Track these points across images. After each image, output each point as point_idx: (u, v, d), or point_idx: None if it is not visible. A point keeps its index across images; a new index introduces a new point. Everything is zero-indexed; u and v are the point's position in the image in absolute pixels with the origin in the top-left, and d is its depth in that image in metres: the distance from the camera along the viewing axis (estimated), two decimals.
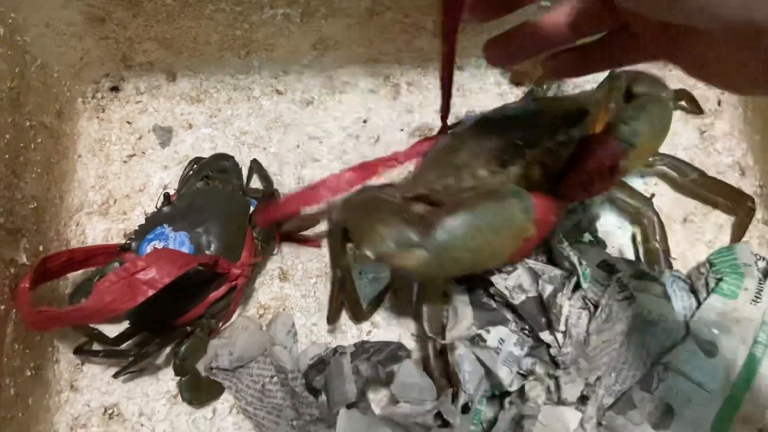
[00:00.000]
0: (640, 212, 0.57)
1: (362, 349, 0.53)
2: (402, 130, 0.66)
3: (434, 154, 0.53)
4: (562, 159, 0.47)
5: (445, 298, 0.52)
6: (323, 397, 0.51)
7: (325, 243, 0.60)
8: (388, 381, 0.51)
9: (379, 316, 0.57)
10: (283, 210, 0.53)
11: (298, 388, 0.49)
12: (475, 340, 0.47)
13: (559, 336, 0.48)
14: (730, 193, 0.60)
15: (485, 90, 0.68)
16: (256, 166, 0.62)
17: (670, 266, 0.55)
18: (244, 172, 0.61)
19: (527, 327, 0.49)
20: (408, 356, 0.52)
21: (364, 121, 0.66)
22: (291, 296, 0.58)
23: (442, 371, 0.50)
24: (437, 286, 0.52)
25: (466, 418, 0.46)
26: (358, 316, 0.56)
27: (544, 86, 0.64)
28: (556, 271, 0.50)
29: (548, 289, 0.49)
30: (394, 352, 0.52)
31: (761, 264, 0.52)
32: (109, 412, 0.54)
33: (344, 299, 0.55)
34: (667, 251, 0.55)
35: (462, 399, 0.46)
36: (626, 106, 0.49)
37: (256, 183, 0.62)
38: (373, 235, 0.42)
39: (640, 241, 0.59)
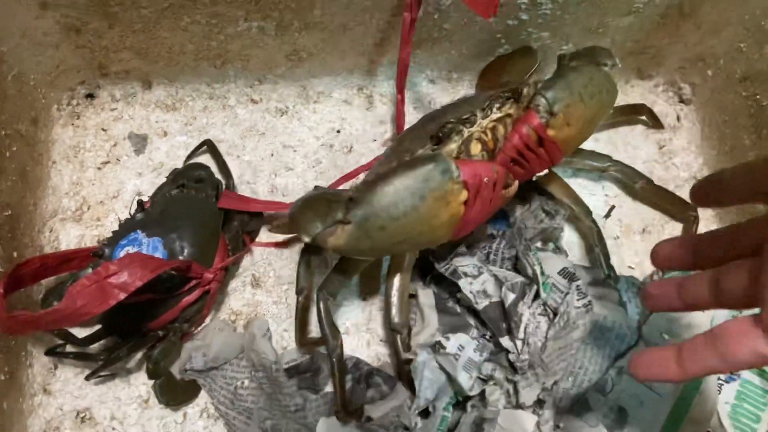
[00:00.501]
0: (581, 221, 0.60)
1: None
2: (375, 140, 0.67)
3: (387, 150, 0.57)
4: (500, 138, 0.49)
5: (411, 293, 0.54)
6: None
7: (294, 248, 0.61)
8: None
9: (350, 322, 0.59)
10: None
11: (281, 378, 0.50)
12: (436, 347, 0.49)
13: (518, 342, 0.50)
14: (674, 202, 0.63)
15: None
16: (210, 148, 0.64)
17: (611, 268, 0.57)
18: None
19: (488, 333, 0.51)
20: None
21: (338, 131, 0.68)
22: (263, 302, 0.59)
23: (406, 378, 0.51)
24: (403, 273, 0.53)
25: (429, 422, 0.48)
26: (301, 341, 0.55)
27: None
28: (519, 279, 0.52)
29: (510, 297, 0.51)
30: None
31: None
32: (82, 415, 0.55)
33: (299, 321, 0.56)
34: (606, 255, 0.58)
35: (420, 404, 0.48)
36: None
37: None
38: (305, 220, 0.45)
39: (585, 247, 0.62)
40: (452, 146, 0.49)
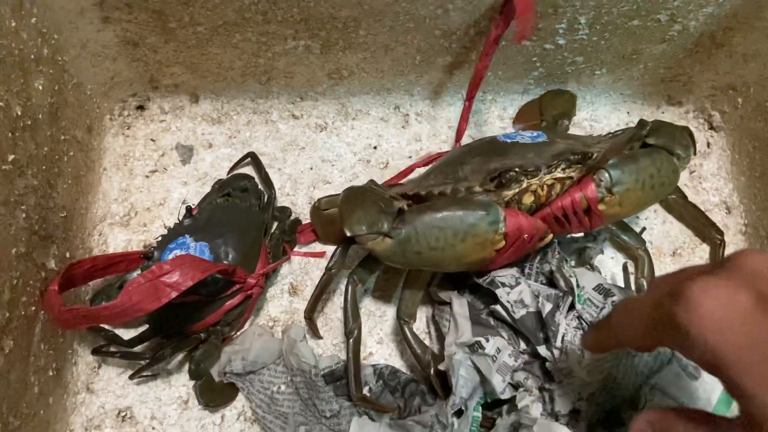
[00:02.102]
0: (634, 250, 0.61)
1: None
2: (410, 157, 0.69)
3: (444, 160, 0.58)
4: (553, 194, 0.51)
5: (423, 290, 0.57)
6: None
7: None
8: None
9: (383, 333, 0.60)
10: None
11: (320, 383, 0.52)
12: (474, 347, 0.50)
13: (555, 351, 0.51)
14: (703, 222, 0.64)
15: (490, 123, 0.72)
16: (253, 160, 0.67)
17: None
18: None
19: (521, 345, 0.52)
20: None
21: (375, 147, 0.70)
22: (300, 310, 0.61)
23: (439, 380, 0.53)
24: (421, 278, 0.56)
25: (462, 422, 0.49)
26: (309, 313, 0.58)
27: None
28: (553, 291, 0.53)
29: (547, 306, 0.53)
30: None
31: None
32: (123, 414, 0.57)
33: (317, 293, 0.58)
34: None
35: (455, 402, 0.49)
36: (620, 154, 0.52)
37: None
38: (353, 217, 0.48)
39: (631, 272, 0.62)
40: (509, 192, 0.50)
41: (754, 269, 0.28)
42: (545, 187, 0.50)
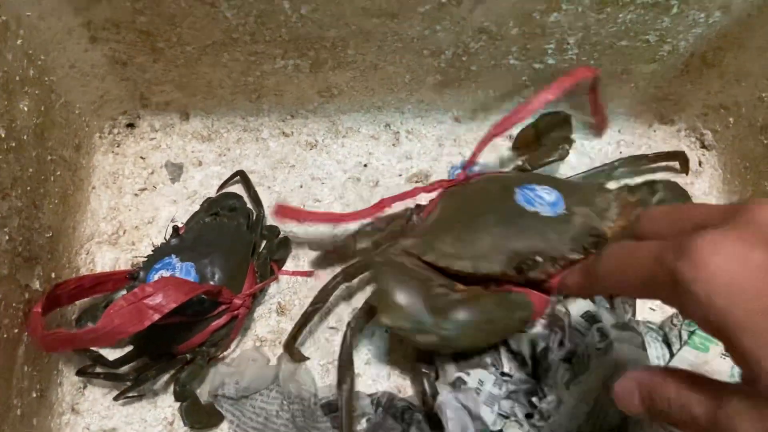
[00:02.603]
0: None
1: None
2: (400, 175, 0.69)
3: (456, 213, 0.57)
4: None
5: None
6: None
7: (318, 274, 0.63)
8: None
9: (371, 353, 0.60)
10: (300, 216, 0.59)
11: (318, 412, 0.52)
12: (456, 384, 0.50)
13: (545, 388, 0.50)
14: (663, 157, 0.66)
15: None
16: (242, 178, 0.66)
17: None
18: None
19: (503, 365, 0.52)
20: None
21: (365, 165, 0.70)
22: (287, 330, 0.60)
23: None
24: None
25: None
26: (286, 345, 0.57)
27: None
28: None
29: (540, 344, 0.52)
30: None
31: None
32: None
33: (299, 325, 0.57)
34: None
35: None
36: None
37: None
38: (395, 309, 0.47)
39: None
40: (527, 276, 0.51)
41: (766, 222, 0.25)
42: (559, 266, 0.51)
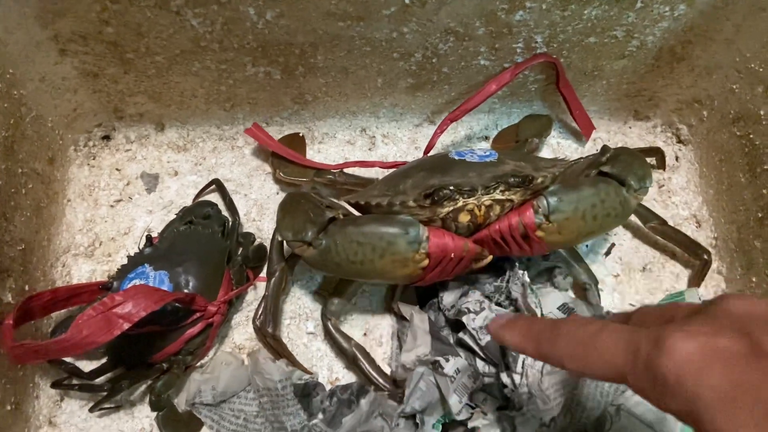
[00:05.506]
0: (581, 284, 0.60)
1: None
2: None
3: (395, 171, 0.59)
4: (493, 215, 0.50)
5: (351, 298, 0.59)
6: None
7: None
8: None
9: None
10: None
11: (289, 396, 0.51)
12: (435, 366, 0.49)
13: (516, 377, 0.50)
14: (688, 244, 0.62)
15: (456, 142, 0.72)
16: (218, 186, 0.67)
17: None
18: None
19: (477, 367, 0.52)
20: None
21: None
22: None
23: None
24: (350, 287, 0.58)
25: None
26: (255, 319, 0.59)
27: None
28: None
29: None
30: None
31: None
32: None
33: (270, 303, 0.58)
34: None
35: (406, 410, 0.49)
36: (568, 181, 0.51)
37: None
38: (283, 223, 0.51)
39: (601, 288, 0.62)
40: (443, 210, 0.49)
41: (735, 313, 0.27)
42: (483, 207, 0.49)
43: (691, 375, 0.25)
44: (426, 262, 0.47)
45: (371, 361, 0.56)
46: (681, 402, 0.26)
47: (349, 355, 0.56)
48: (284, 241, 0.51)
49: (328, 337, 0.57)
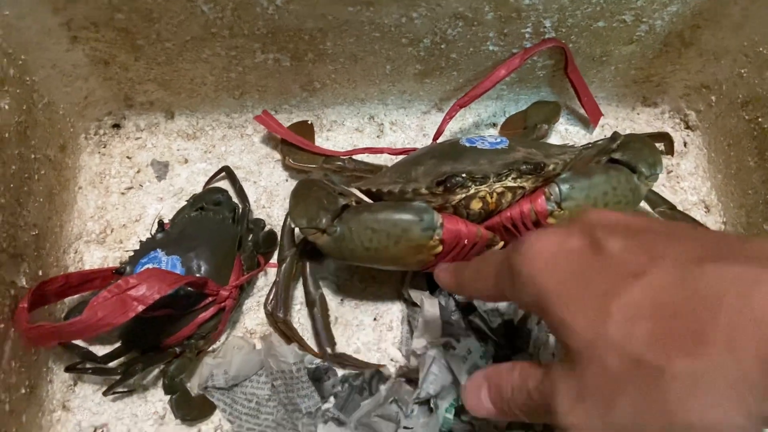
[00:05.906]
0: None
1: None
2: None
3: (406, 158, 0.59)
4: (504, 202, 0.50)
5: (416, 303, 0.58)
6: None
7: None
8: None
9: (360, 342, 0.60)
10: None
11: (303, 378, 0.52)
12: (447, 347, 0.50)
13: (528, 357, 0.51)
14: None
15: (464, 128, 0.72)
16: (228, 174, 0.67)
17: None
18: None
19: (491, 349, 0.52)
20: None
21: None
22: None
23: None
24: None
25: (432, 421, 0.49)
26: (266, 304, 0.59)
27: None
28: None
29: (520, 313, 0.52)
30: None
31: None
32: (99, 431, 0.56)
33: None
34: None
35: (420, 396, 0.50)
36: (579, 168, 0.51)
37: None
38: (296, 211, 0.51)
39: None
40: (455, 197, 0.50)
41: (588, 220, 0.29)
42: (494, 194, 0.49)
43: (539, 269, 0.28)
44: (440, 248, 0.48)
45: (326, 317, 0.57)
46: (530, 294, 0.28)
47: (311, 298, 0.57)
48: (297, 228, 0.51)
49: (302, 276, 0.58)
